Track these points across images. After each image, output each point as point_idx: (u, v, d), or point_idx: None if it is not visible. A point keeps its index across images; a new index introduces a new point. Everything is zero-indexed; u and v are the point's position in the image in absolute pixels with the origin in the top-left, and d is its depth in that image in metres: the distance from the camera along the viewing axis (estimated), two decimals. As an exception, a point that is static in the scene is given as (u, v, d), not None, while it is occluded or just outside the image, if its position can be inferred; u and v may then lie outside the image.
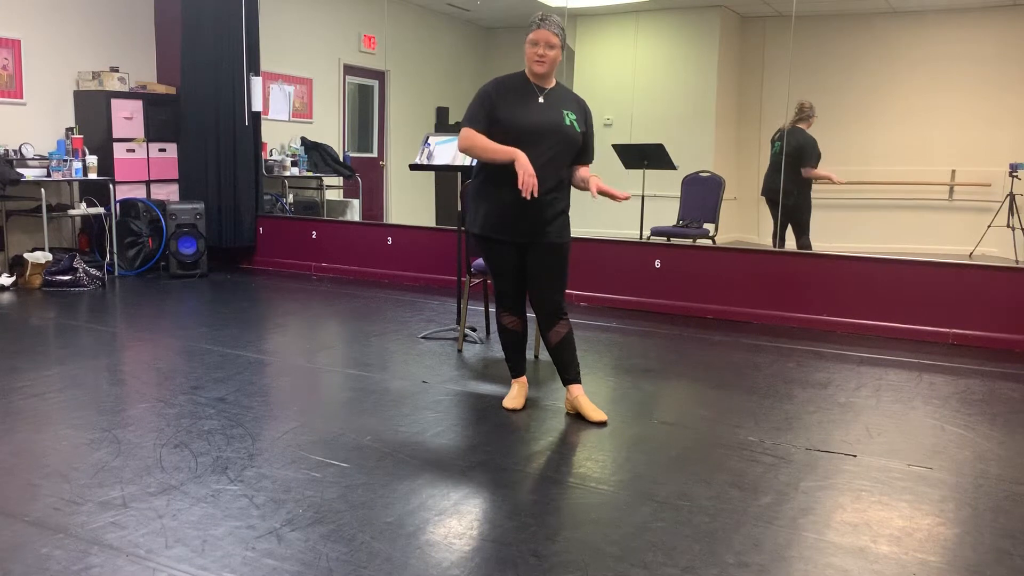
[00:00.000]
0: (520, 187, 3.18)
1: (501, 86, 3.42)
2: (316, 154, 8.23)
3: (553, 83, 3.48)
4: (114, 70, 7.05)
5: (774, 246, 6.62)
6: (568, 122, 3.40)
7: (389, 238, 7.12)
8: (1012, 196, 7.69)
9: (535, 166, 3.26)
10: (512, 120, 3.34)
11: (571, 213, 3.57)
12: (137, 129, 7.16)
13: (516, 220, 3.42)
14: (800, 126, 6.68)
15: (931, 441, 3.41)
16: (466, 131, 3.36)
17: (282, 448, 3.13)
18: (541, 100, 3.40)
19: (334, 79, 8.74)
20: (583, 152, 3.52)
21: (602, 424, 3.50)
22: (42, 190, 6.28)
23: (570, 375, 3.62)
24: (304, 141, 8.23)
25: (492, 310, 5.39)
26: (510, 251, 3.51)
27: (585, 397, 3.60)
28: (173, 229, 7.00)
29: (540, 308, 3.56)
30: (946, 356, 4.86)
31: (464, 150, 3.38)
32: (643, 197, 6.87)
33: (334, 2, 8.70)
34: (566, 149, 3.42)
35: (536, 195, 3.21)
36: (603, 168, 7.99)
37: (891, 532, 2.56)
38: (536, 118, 3.36)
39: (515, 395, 3.73)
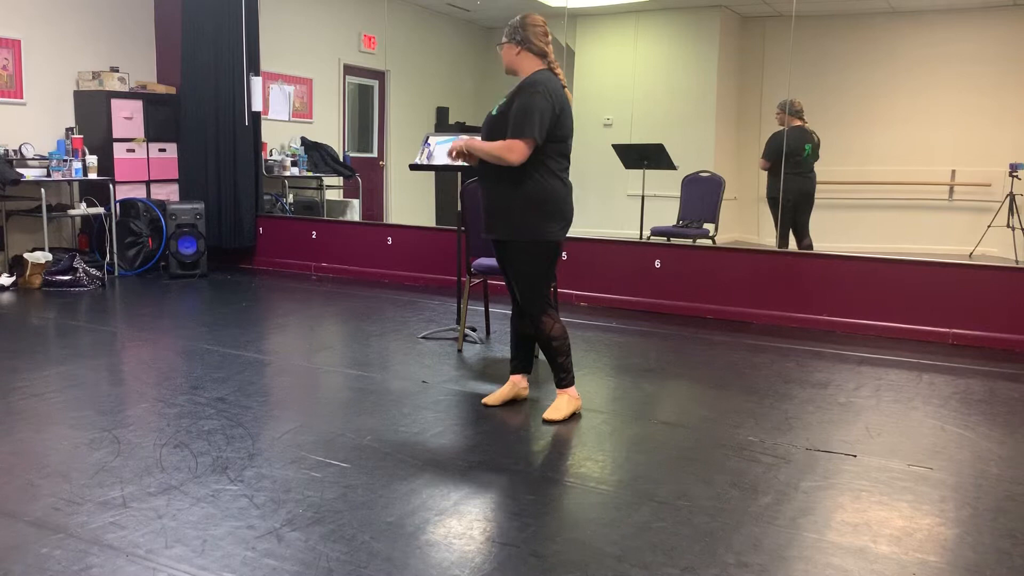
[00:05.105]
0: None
1: None
2: (316, 154, 8.23)
3: (523, 77, 3.45)
4: (114, 70, 7.05)
5: (779, 247, 6.61)
6: (495, 112, 3.42)
7: (389, 238, 7.12)
8: (1012, 196, 7.69)
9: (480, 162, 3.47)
10: None
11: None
12: (137, 129, 7.15)
13: (483, 213, 3.54)
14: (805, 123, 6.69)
15: (931, 441, 3.41)
16: None
17: (282, 448, 3.13)
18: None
19: (334, 79, 8.74)
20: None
21: (546, 422, 3.51)
22: (42, 190, 6.28)
23: (555, 379, 3.62)
24: (304, 141, 8.23)
25: (492, 310, 5.38)
26: (495, 247, 3.60)
27: (559, 399, 3.59)
28: (173, 229, 7.00)
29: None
30: (946, 356, 4.86)
31: None
32: (643, 197, 6.87)
33: (334, 2, 8.70)
34: (488, 137, 3.43)
35: (463, 158, 3.46)
36: (603, 168, 8.01)
37: (891, 532, 2.56)
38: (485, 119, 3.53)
39: (497, 392, 3.76)
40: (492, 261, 4.60)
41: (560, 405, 3.56)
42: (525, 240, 3.41)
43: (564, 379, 3.58)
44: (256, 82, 7.33)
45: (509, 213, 3.40)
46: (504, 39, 3.46)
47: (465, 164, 3.57)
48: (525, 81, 3.38)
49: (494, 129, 3.39)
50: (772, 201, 6.86)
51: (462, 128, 8.77)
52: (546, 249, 3.43)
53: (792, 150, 6.61)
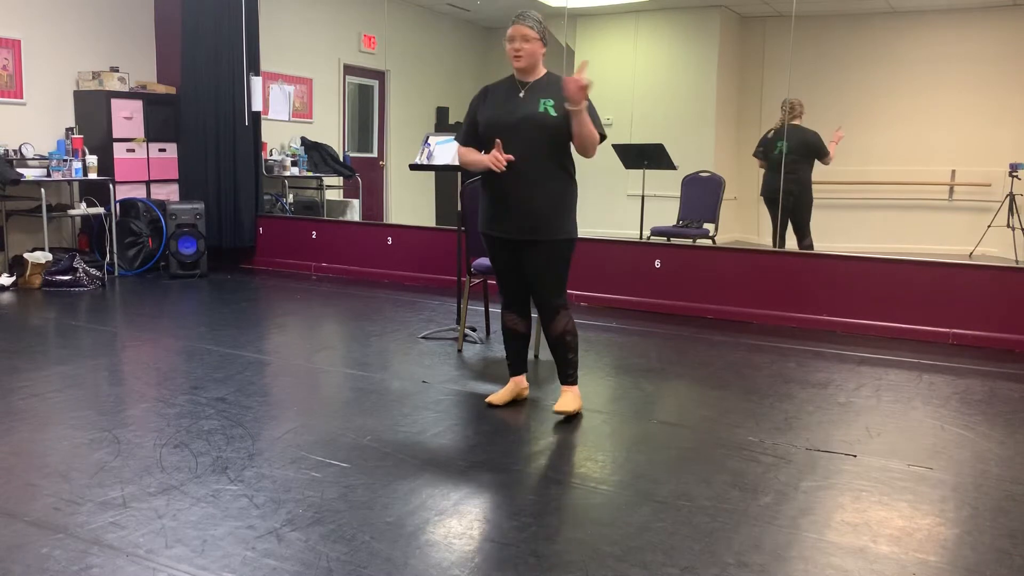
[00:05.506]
0: (497, 171, 3.30)
1: (487, 92, 3.53)
2: (316, 154, 8.23)
3: (540, 75, 3.43)
4: (114, 70, 7.05)
5: (774, 246, 6.62)
6: (542, 109, 3.34)
7: (389, 238, 7.12)
8: (1012, 196, 7.69)
9: (514, 160, 3.33)
10: (486, 121, 3.44)
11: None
12: (137, 129, 7.15)
13: (503, 215, 3.45)
14: (796, 123, 6.71)
15: (931, 441, 3.41)
16: (458, 148, 3.59)
17: (282, 448, 3.13)
18: (522, 95, 3.39)
19: (334, 79, 8.74)
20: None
21: (558, 414, 3.55)
22: (42, 190, 6.28)
23: (561, 376, 3.62)
24: (304, 141, 8.23)
25: (492, 310, 5.38)
26: (502, 247, 3.53)
27: (566, 394, 3.59)
28: (173, 229, 7.00)
29: (537, 305, 3.58)
30: (946, 356, 4.86)
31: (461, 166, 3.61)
32: (643, 197, 6.87)
33: (334, 2, 8.70)
34: (541, 137, 3.33)
35: (504, 167, 3.28)
36: (603, 168, 8.03)
37: (891, 532, 2.56)
38: (507, 115, 3.38)
39: (500, 392, 3.76)
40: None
41: (568, 400, 3.58)
42: (567, 239, 3.46)
43: (571, 375, 3.61)
44: (256, 82, 7.33)
45: (554, 213, 3.41)
46: (536, 34, 3.36)
47: (457, 165, 3.58)
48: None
49: (547, 127, 3.31)
50: (765, 200, 6.89)
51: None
52: (574, 245, 3.53)
53: (767, 148, 6.71)
